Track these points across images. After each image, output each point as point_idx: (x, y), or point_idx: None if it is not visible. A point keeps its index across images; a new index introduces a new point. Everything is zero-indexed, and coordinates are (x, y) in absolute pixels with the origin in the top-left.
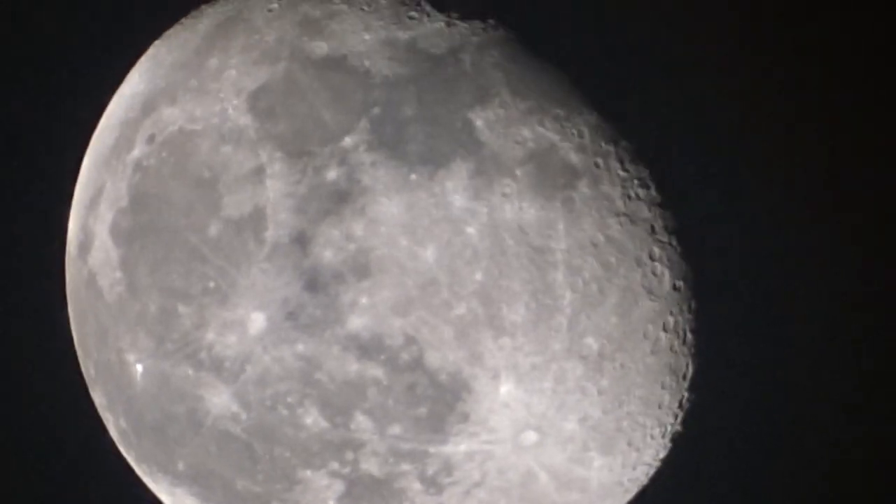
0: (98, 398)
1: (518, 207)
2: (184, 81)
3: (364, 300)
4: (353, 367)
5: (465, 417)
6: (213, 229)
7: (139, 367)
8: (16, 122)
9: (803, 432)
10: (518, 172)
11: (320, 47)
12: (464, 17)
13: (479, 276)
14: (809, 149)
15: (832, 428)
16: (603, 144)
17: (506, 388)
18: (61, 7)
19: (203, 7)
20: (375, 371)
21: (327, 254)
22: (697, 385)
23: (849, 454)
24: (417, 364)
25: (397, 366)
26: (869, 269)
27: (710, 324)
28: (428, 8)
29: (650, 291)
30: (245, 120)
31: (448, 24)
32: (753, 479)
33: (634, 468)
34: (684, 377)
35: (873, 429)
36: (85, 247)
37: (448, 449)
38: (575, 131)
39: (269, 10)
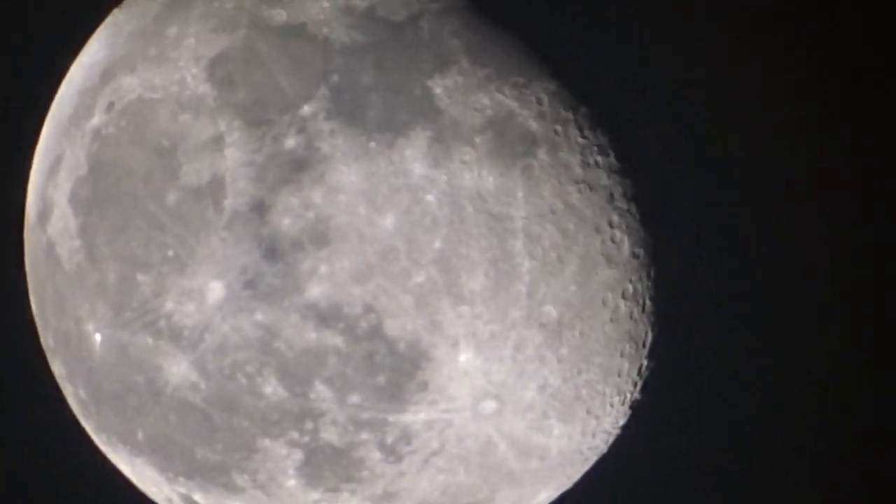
0: (57, 368)
1: (477, 175)
2: (143, 50)
3: (323, 268)
4: (311, 335)
5: (424, 386)
6: (172, 197)
7: (98, 337)
8: None
9: (762, 400)
10: (477, 140)
11: (279, 14)
12: None
13: (438, 244)
14: (773, 115)
15: (791, 395)
16: (562, 111)
17: (465, 357)
18: None
19: None
20: (334, 340)
21: (286, 222)
22: (657, 353)
23: (805, 421)
24: (376, 332)
25: (356, 334)
26: (828, 236)
27: (669, 291)
28: None
29: (609, 259)
30: (204, 88)
31: None
32: (712, 446)
33: (594, 436)
34: (644, 345)
35: (833, 396)
36: (44, 215)
37: (407, 417)
38: (534, 98)
39: None
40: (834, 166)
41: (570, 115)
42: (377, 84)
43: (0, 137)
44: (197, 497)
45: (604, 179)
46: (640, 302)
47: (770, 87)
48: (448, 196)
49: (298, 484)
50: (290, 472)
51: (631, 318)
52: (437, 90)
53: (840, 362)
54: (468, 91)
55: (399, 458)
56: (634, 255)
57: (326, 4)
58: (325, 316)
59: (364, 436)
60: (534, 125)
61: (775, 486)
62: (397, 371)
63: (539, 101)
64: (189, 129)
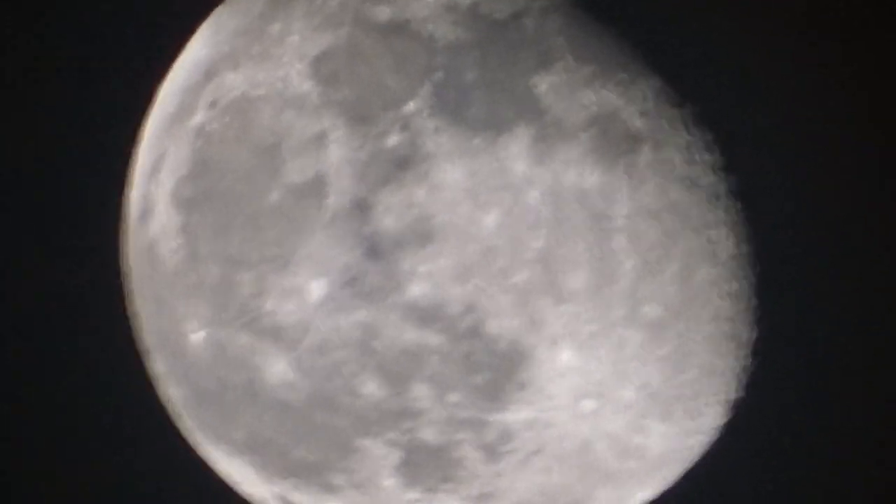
0: (156, 366)
1: (580, 173)
2: (246, 47)
3: (424, 267)
4: (411, 335)
5: (523, 385)
6: (275, 196)
7: (198, 335)
8: (80, 89)
9: (866, 402)
10: (581, 137)
11: (383, 12)
12: None
13: (540, 243)
14: (881, 114)
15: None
16: (667, 108)
17: (565, 356)
18: None
19: None
20: (434, 339)
21: (388, 220)
22: (758, 352)
23: None
24: (476, 332)
25: (456, 334)
26: None
27: (773, 290)
28: None
29: (712, 257)
30: (308, 85)
31: None
32: (813, 447)
33: (693, 436)
34: (745, 344)
35: None
36: (146, 214)
37: (506, 417)
38: (639, 95)
39: None
40: None
41: (675, 112)
42: (481, 81)
43: (104, 135)
44: (293, 497)
45: (709, 177)
46: (742, 301)
47: (878, 86)
48: (551, 194)
49: (396, 483)
50: (388, 471)
51: (732, 317)
52: (541, 87)
53: None
54: (572, 88)
55: (498, 458)
56: (737, 254)
57: (430, 1)
58: (426, 315)
59: (462, 435)
60: (638, 122)
61: (877, 488)
62: (496, 370)
63: (644, 98)
64: (293, 126)
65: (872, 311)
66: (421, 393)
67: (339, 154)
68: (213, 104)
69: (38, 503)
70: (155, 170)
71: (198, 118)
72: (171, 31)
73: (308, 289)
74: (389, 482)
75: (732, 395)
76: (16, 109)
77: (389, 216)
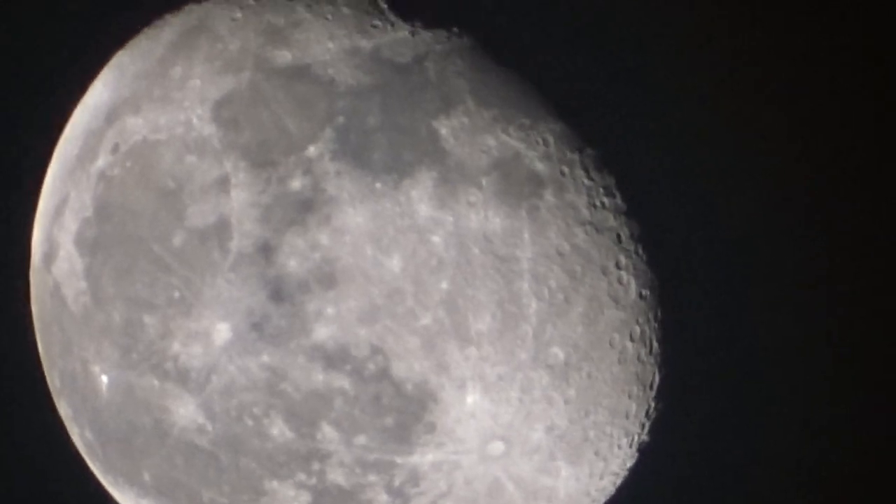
0: (63, 409)
1: (483, 216)
2: (147, 91)
3: (329, 310)
4: (318, 377)
5: (431, 428)
6: (178, 239)
7: (104, 378)
8: None
9: (770, 440)
10: (483, 181)
11: (284, 56)
12: (427, 26)
13: (444, 286)
14: (777, 154)
15: (799, 433)
16: (568, 153)
17: (472, 399)
18: (26, 17)
19: (166, 16)
20: (341, 381)
21: (292, 263)
22: (664, 394)
23: (818, 458)
24: (384, 374)
25: (363, 376)
26: (838, 274)
27: (677, 333)
28: (392, 17)
29: (616, 300)
30: (209, 129)
31: (412, 33)
32: (720, 487)
33: (602, 478)
34: (651, 386)
35: (842, 433)
36: (49, 257)
37: (415, 459)
38: (540, 139)
39: (233, 20)
40: (854, 200)
41: (575, 157)
42: (383, 125)
43: (6, 179)
44: None
45: (610, 221)
46: (648, 343)
47: (782, 125)
48: (454, 237)
49: None
50: None
51: (638, 359)
52: (443, 131)
53: (857, 398)
54: (474, 132)
55: (406, 500)
56: (641, 297)
57: (331, 46)
58: (333, 357)
59: (371, 477)
60: (540, 166)
61: None
62: (405, 413)
63: (545, 143)
64: (195, 170)
65: (775, 352)
66: (329, 435)
67: (241, 197)
68: (114, 148)
69: None
70: (58, 213)
71: (100, 162)
72: (72, 74)
73: (214, 331)
74: None
75: (640, 438)
76: None
77: (293, 259)
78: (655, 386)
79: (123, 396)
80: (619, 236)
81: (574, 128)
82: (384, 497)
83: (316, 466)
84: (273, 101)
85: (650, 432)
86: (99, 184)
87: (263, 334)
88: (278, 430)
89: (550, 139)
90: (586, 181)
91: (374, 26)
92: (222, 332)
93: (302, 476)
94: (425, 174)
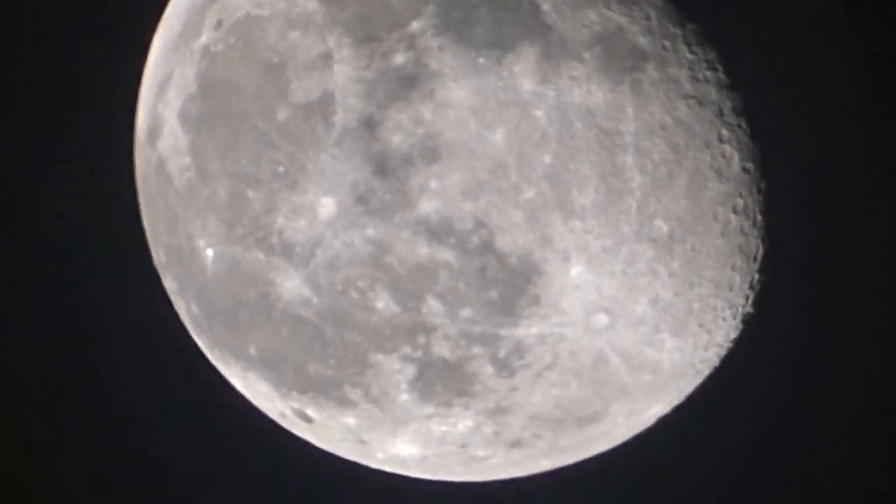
0: (169, 284)
1: (586, 90)
2: None
3: (433, 184)
4: (423, 250)
5: (536, 300)
6: (282, 114)
7: (210, 253)
8: (83, 9)
9: (872, 312)
10: (586, 55)
11: None
12: None
13: (547, 160)
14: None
15: None
16: (670, 27)
17: (576, 271)
18: None
19: None
20: (446, 255)
21: (396, 138)
22: (768, 266)
23: None
24: (487, 247)
25: (467, 249)
26: None
27: (780, 205)
28: None
29: (719, 173)
30: (312, 5)
31: None
32: (824, 357)
33: (706, 350)
34: (755, 258)
35: None
36: (154, 133)
37: (519, 332)
38: (642, 14)
39: None
40: None
41: (678, 31)
42: (485, 0)
43: (109, 55)
44: (310, 411)
45: (713, 94)
46: (751, 216)
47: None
48: (557, 111)
49: (411, 398)
50: (403, 386)
51: (742, 231)
52: (545, 6)
53: None
54: (576, 6)
55: (511, 373)
56: (745, 170)
57: None
58: (437, 231)
59: (476, 350)
60: (642, 41)
61: (881, 406)
62: (509, 285)
63: (647, 17)
64: (298, 45)
65: (878, 223)
66: (434, 308)
67: (345, 73)
68: (218, 24)
69: (54, 423)
70: (162, 89)
71: (203, 38)
72: None
73: (318, 205)
74: (404, 397)
75: (744, 310)
76: (18, 38)
77: (397, 134)
78: (759, 258)
79: (229, 271)
80: (721, 110)
81: (675, 2)
82: (489, 369)
83: (421, 339)
84: None
85: (754, 304)
86: (203, 60)
87: (368, 208)
88: (383, 303)
89: (653, 14)
90: (689, 55)
91: None
92: (327, 206)
93: (407, 349)
94: (528, 49)
